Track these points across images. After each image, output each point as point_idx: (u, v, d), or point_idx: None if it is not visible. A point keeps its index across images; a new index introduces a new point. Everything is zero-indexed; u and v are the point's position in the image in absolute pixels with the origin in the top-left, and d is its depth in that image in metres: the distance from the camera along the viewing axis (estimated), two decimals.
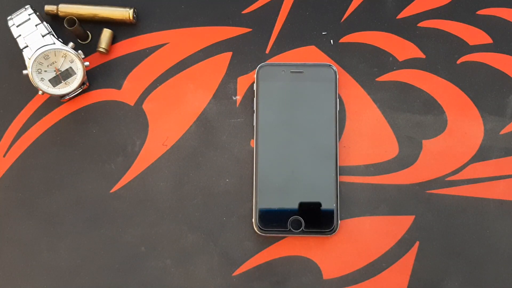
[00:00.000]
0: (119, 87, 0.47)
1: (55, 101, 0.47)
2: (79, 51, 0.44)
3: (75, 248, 0.45)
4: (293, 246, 0.45)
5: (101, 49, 0.47)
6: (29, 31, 0.44)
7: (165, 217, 0.45)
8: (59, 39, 0.44)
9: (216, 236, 0.45)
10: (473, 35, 0.48)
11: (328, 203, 0.44)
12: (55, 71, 0.44)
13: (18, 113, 0.47)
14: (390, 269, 0.44)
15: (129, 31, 0.48)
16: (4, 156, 0.46)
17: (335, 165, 0.44)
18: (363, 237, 0.45)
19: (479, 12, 0.48)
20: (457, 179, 0.45)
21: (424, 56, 0.47)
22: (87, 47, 0.48)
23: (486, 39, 0.47)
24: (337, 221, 0.44)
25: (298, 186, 0.44)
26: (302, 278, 0.44)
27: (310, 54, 0.47)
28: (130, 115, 0.47)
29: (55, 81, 0.44)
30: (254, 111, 0.45)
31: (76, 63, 0.44)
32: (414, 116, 0.46)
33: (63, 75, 0.44)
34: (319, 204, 0.44)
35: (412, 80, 0.47)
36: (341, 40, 0.48)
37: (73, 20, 0.45)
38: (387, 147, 0.46)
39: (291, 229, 0.43)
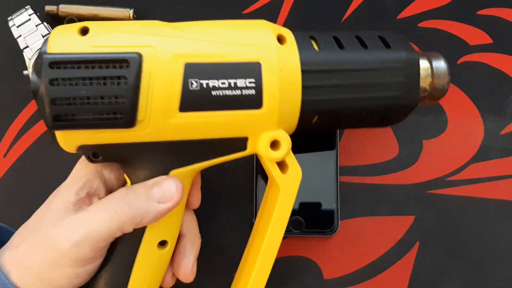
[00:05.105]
0: None
1: None
2: None
3: None
4: (293, 246, 0.45)
5: None
6: (30, 32, 0.44)
7: None
8: None
9: (216, 236, 0.45)
10: (473, 35, 0.48)
11: (328, 203, 0.44)
12: None
13: (18, 114, 0.47)
14: (390, 269, 0.44)
15: None
16: (4, 156, 0.46)
17: (335, 165, 0.44)
18: (363, 238, 0.45)
19: (479, 12, 0.48)
20: (457, 179, 0.45)
21: None
22: None
23: (486, 39, 0.47)
24: (337, 221, 0.44)
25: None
26: (302, 278, 0.44)
27: None
28: None
29: None
30: None
31: None
32: (414, 116, 0.46)
33: None
34: (319, 204, 0.44)
35: None
36: None
37: (73, 21, 0.45)
38: (387, 147, 0.46)
39: (292, 229, 0.43)
